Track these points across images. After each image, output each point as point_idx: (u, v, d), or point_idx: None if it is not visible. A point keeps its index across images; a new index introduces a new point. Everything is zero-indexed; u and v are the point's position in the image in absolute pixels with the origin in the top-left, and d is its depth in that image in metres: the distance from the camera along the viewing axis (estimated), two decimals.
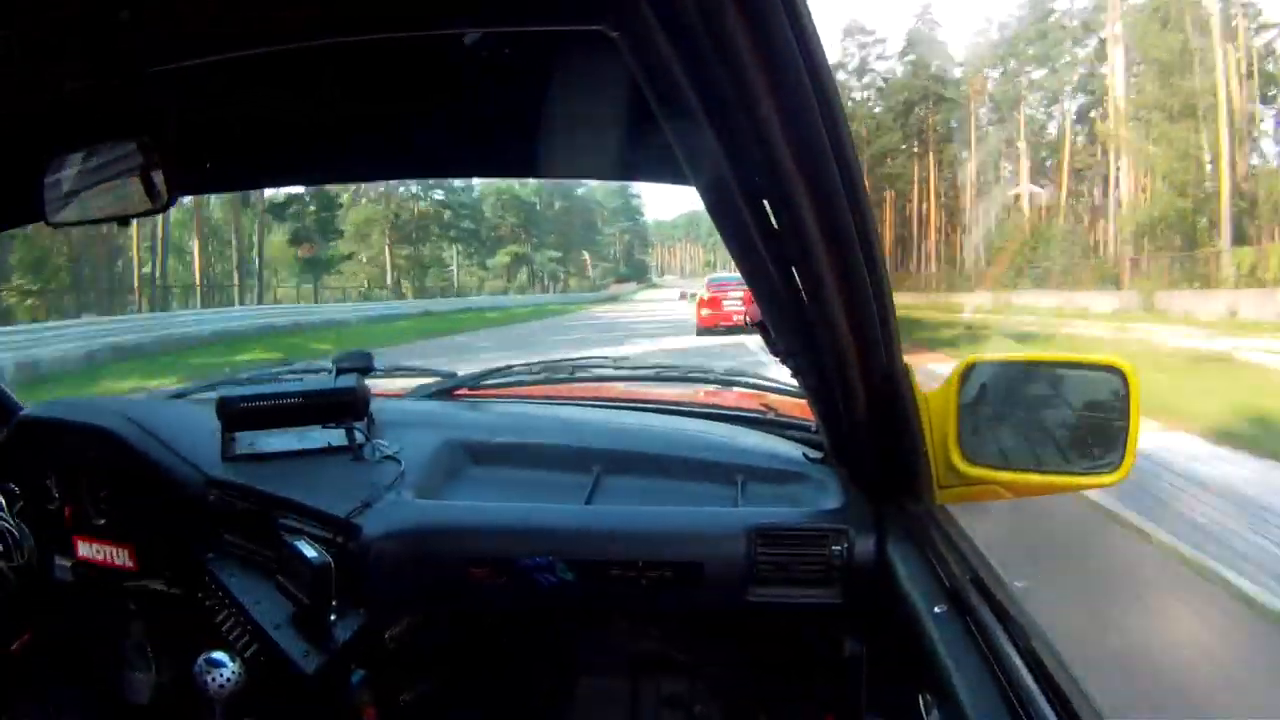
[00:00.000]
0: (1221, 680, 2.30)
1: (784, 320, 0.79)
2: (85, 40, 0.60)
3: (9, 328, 13.93)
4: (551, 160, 1.14)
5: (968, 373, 0.91)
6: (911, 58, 32.97)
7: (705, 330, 13.96)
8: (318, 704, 1.01)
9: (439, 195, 36.31)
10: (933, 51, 32.48)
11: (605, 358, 1.64)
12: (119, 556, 1.20)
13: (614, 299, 41.85)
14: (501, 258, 40.39)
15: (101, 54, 0.62)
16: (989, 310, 21.83)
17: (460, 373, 1.56)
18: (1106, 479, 0.88)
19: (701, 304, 14.80)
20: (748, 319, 0.99)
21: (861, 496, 1.00)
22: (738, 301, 12.76)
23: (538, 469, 1.18)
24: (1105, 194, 26.33)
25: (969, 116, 30.58)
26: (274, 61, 0.64)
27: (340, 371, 1.21)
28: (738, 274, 0.76)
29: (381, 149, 1.16)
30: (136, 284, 22.68)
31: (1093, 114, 27.52)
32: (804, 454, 1.15)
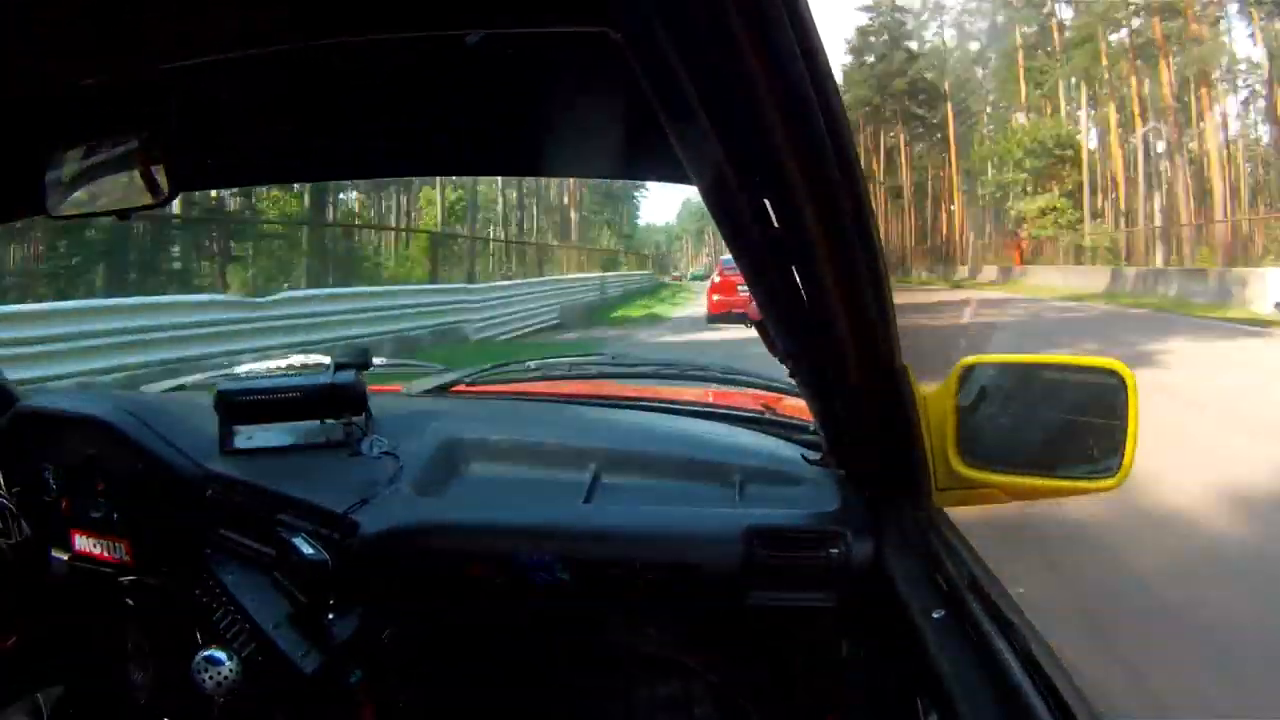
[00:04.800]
0: None
1: (784, 320, 0.79)
2: (88, 36, 0.60)
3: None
4: (553, 160, 1.14)
5: (966, 374, 0.91)
6: None
7: (716, 318, 12.95)
8: (316, 703, 1.01)
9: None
10: None
11: (604, 355, 1.64)
12: (115, 550, 1.20)
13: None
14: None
15: (104, 50, 0.62)
16: None
17: (458, 370, 1.57)
18: (1104, 484, 0.88)
19: (712, 289, 13.80)
20: (748, 319, 0.99)
21: (859, 498, 1.00)
22: None
23: (535, 467, 1.18)
24: None
25: None
26: (276, 59, 0.64)
27: (339, 367, 1.21)
28: None
29: (383, 147, 1.16)
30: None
31: None
32: (802, 455, 1.15)
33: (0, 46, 0.59)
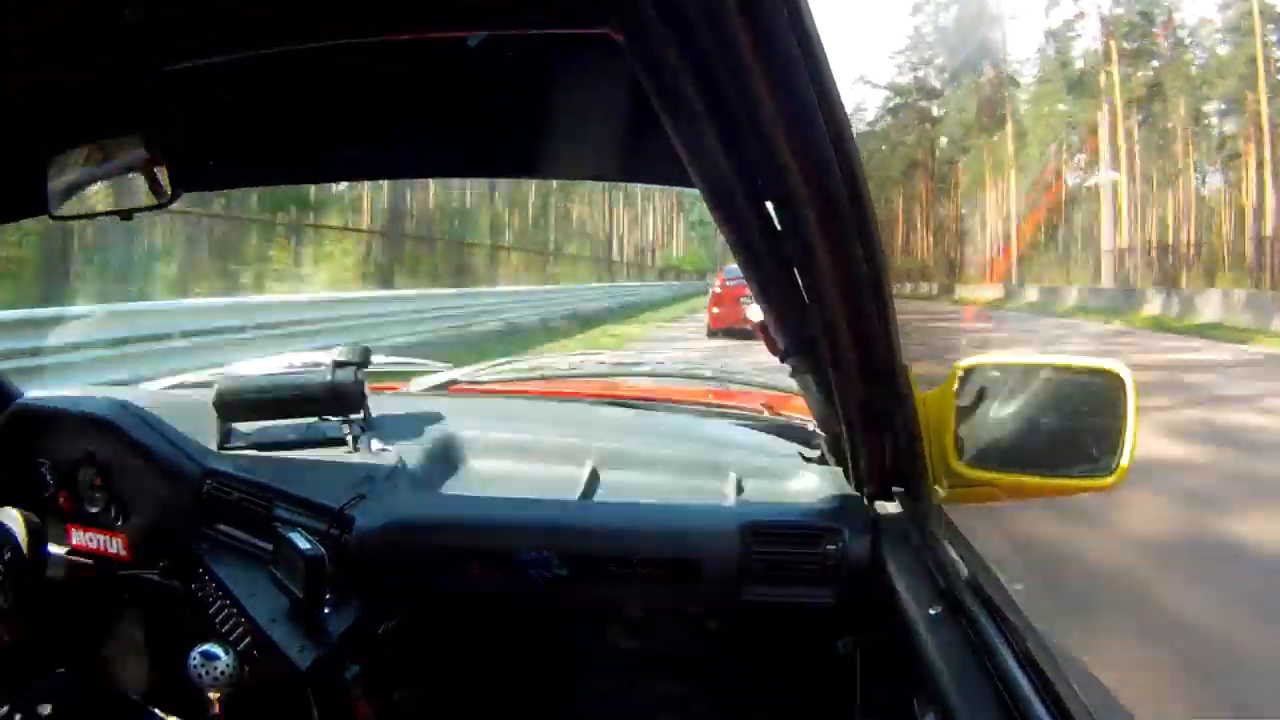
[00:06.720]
0: None
1: (784, 320, 0.79)
2: (91, 38, 0.60)
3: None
4: (555, 161, 1.14)
5: (966, 375, 0.91)
6: None
7: (718, 333, 12.10)
8: (313, 698, 1.01)
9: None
10: None
11: (604, 354, 1.65)
12: (113, 545, 1.20)
13: None
14: None
15: (107, 52, 0.62)
16: None
17: (457, 369, 1.57)
18: (1102, 483, 0.88)
19: (713, 300, 12.95)
20: (748, 322, 0.99)
21: (857, 496, 1.00)
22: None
23: (533, 464, 1.18)
24: None
25: None
26: (278, 61, 0.64)
27: (338, 365, 1.21)
28: None
29: (385, 149, 1.16)
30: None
31: None
32: (800, 452, 1.15)
33: (2, 46, 0.59)
